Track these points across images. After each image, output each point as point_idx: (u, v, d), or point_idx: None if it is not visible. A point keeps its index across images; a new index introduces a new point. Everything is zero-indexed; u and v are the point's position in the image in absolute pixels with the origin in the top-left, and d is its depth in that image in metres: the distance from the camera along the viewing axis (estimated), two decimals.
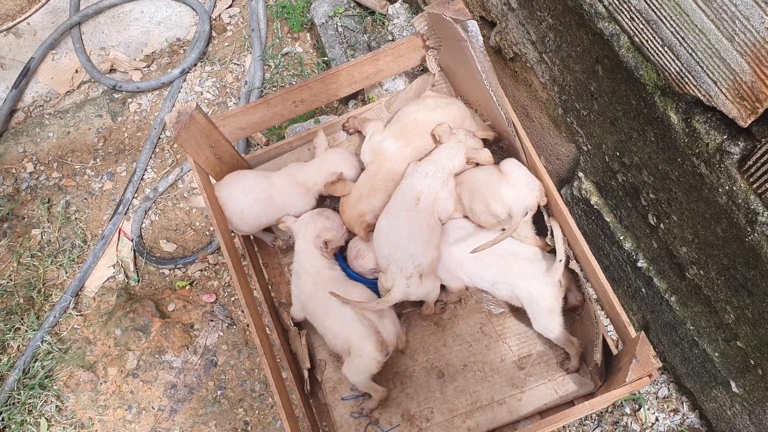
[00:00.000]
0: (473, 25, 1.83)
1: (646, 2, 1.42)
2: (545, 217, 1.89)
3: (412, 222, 1.84)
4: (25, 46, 3.09)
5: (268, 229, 2.15)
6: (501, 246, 1.83)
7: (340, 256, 2.08)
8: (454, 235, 1.95)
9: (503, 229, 1.84)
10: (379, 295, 1.91)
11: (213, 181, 2.08)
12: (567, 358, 1.93)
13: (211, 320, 2.48)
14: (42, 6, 3.16)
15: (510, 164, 1.89)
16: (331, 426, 1.93)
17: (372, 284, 2.01)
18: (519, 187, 1.83)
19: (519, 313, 2.02)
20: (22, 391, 2.38)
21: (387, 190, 1.97)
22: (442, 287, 1.96)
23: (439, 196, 1.90)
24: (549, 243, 1.86)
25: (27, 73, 2.97)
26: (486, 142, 2.04)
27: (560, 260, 1.80)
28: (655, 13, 1.41)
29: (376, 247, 1.87)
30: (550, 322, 1.83)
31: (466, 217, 1.98)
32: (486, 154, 1.93)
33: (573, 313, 1.92)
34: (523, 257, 1.86)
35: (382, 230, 1.87)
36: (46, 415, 2.37)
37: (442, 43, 2.12)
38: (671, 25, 1.38)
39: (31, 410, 2.38)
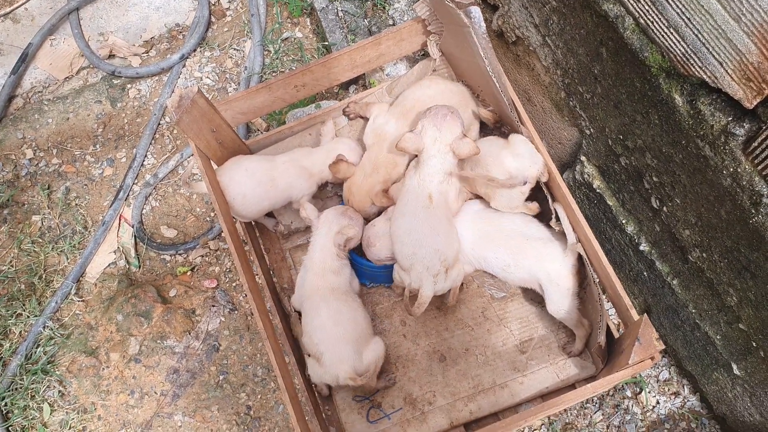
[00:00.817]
0: (476, 11, 1.81)
1: None
2: (549, 201, 1.89)
3: (432, 217, 1.83)
4: (23, 32, 3.07)
5: (269, 214, 2.15)
6: (509, 227, 1.86)
7: (352, 252, 2.06)
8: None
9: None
10: (372, 278, 1.91)
11: (214, 165, 2.08)
12: (569, 341, 1.93)
13: (213, 306, 2.48)
14: None
15: (518, 138, 1.88)
16: (334, 410, 1.94)
17: (381, 270, 2.01)
18: (523, 158, 1.83)
19: (520, 297, 2.02)
20: (24, 377, 2.39)
21: (387, 169, 1.99)
22: None
23: (447, 192, 1.90)
24: (554, 226, 1.86)
25: (25, 59, 2.95)
26: (484, 125, 2.03)
27: (575, 242, 1.81)
28: None
29: (398, 247, 1.85)
30: (566, 302, 1.83)
31: (478, 197, 1.98)
32: (467, 147, 1.84)
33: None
34: (535, 238, 1.86)
35: (402, 230, 1.85)
36: (48, 400, 2.37)
37: (443, 29, 2.10)
38: (677, 6, 1.37)
39: (34, 395, 2.39)
